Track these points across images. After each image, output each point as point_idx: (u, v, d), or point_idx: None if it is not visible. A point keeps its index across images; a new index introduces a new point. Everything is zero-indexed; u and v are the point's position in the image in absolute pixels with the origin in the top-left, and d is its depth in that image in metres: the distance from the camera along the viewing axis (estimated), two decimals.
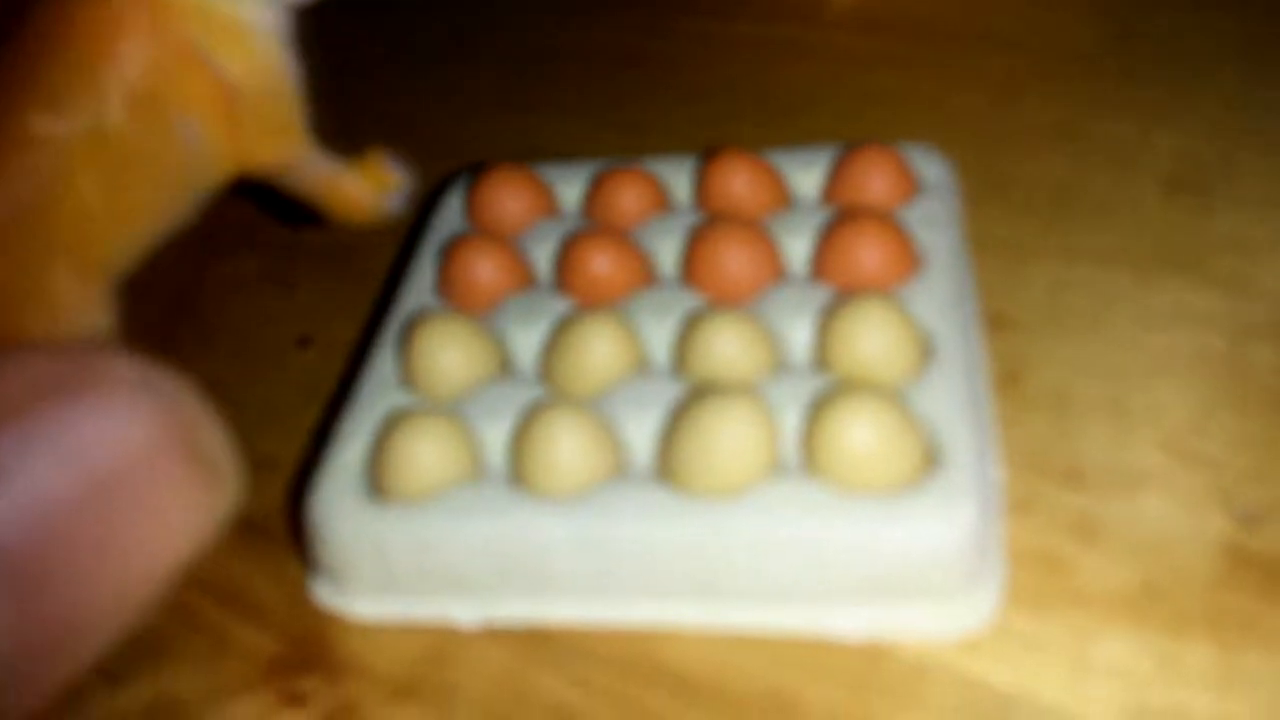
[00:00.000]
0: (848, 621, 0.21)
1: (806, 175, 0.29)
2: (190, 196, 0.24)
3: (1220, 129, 0.32)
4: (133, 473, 0.10)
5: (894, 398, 0.21)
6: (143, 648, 0.23)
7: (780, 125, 0.36)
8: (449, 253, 0.27)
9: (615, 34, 0.43)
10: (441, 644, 0.22)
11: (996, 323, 0.27)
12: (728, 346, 0.23)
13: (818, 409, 0.21)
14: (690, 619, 0.22)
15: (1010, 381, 0.26)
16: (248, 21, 0.24)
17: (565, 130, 0.38)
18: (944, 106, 0.35)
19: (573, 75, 0.41)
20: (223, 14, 0.23)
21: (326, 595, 0.24)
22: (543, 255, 0.28)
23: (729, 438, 0.21)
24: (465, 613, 0.23)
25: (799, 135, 0.32)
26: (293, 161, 0.26)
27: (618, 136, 0.37)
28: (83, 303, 0.22)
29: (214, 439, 0.11)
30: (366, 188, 0.28)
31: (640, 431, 0.23)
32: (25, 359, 0.10)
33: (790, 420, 0.22)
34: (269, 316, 0.32)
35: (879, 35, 0.40)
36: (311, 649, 0.23)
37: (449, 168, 0.32)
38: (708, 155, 0.29)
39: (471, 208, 0.30)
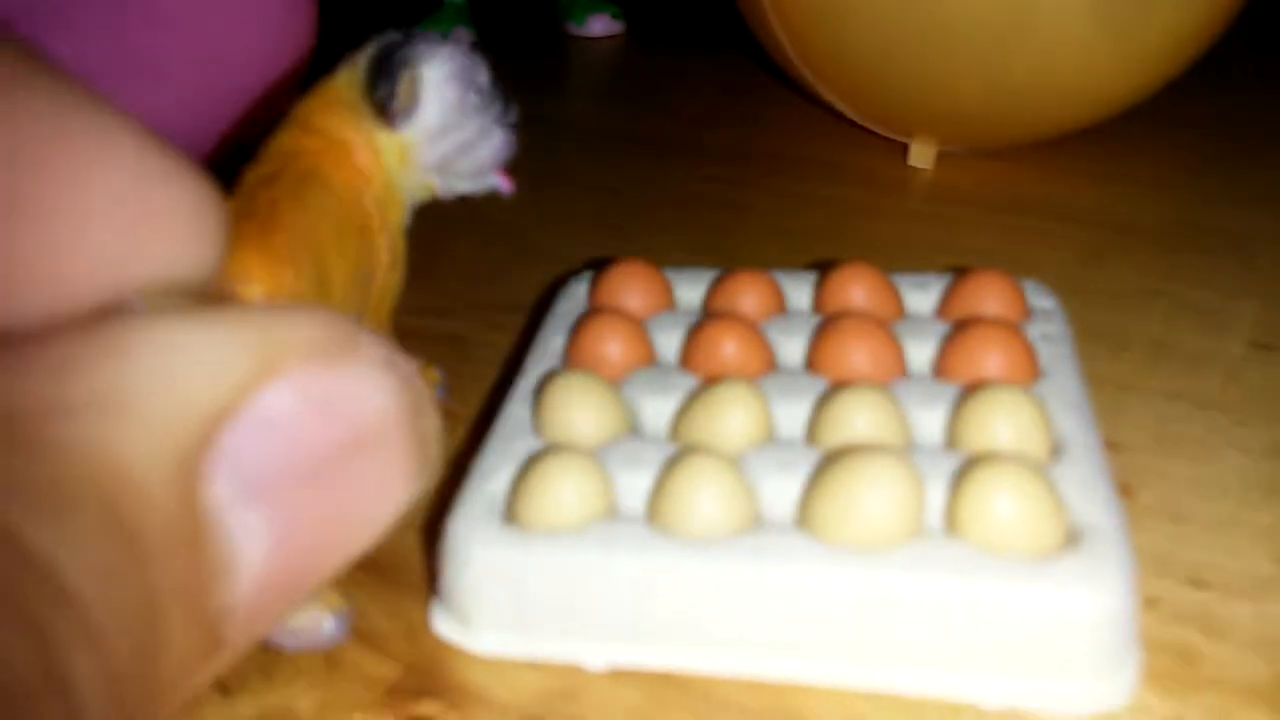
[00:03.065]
0: (987, 689, 0.21)
1: (921, 295, 0.30)
2: None
3: None
4: (376, 437, 0.11)
5: (1039, 469, 0.22)
6: (256, 663, 0.22)
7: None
8: (580, 326, 0.29)
9: (707, 184, 0.46)
10: (568, 680, 0.22)
11: (1106, 445, 0.28)
12: (864, 419, 0.24)
13: (965, 475, 0.22)
14: (828, 674, 0.22)
15: (1125, 493, 0.26)
16: (406, 206, 0.26)
17: (663, 254, 0.40)
18: (1031, 264, 0.37)
19: (669, 210, 0.44)
20: (399, 198, 0.26)
21: (449, 628, 0.23)
22: (666, 340, 0.29)
23: (879, 493, 0.21)
24: (595, 653, 0.22)
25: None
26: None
27: (714, 262, 0.39)
28: None
29: (432, 422, 0.13)
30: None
31: (778, 489, 0.23)
32: (303, 318, 0.11)
33: (934, 488, 0.22)
34: None
35: (957, 204, 0.42)
36: (431, 677, 0.22)
37: (554, 273, 0.34)
38: (827, 267, 0.30)
39: (596, 295, 0.31)
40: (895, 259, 0.39)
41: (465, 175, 0.27)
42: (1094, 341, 0.32)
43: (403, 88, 0.25)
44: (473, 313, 0.36)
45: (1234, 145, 0.46)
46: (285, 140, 0.24)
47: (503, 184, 0.28)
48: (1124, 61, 0.38)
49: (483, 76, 0.27)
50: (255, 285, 0.19)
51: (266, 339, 0.10)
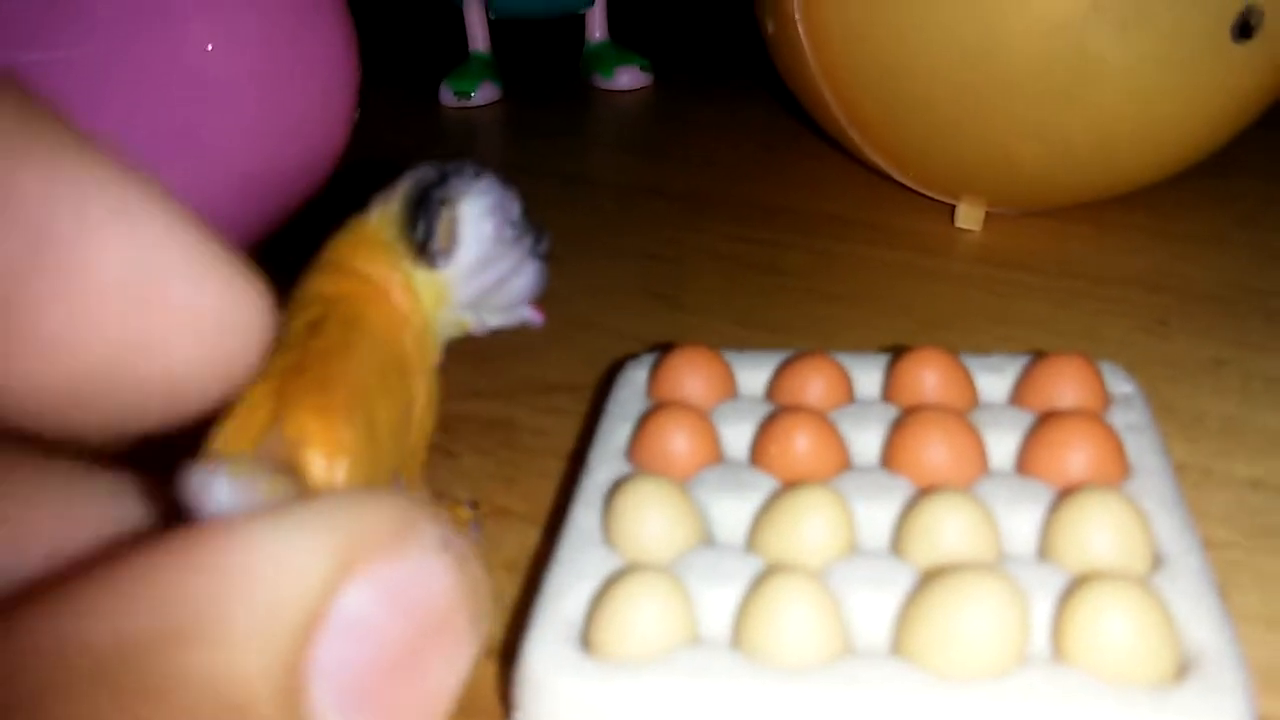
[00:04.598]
0: None
1: (995, 379, 0.29)
2: None
3: None
4: (443, 622, 0.12)
5: (1149, 587, 0.21)
6: None
7: (924, 342, 0.37)
8: (645, 421, 0.28)
9: (745, 244, 0.45)
10: None
11: None
12: (954, 529, 0.23)
13: (1072, 595, 0.21)
14: None
15: (1223, 596, 0.25)
16: (440, 345, 0.25)
17: (711, 324, 0.39)
18: (1090, 333, 0.36)
19: (711, 274, 0.43)
20: (434, 337, 0.25)
21: None
22: (733, 433, 0.28)
23: (984, 618, 0.20)
24: None
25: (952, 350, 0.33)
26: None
27: (764, 335, 0.38)
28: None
29: (485, 596, 0.12)
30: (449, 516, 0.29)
31: (869, 607, 0.22)
32: (370, 507, 0.11)
33: (1037, 608, 0.21)
34: (434, 482, 0.32)
35: (1007, 267, 0.42)
36: None
37: (603, 348, 0.33)
38: (899, 351, 0.29)
39: (656, 383, 0.30)
40: (948, 328, 0.38)
41: (499, 309, 0.26)
42: (1166, 419, 0.31)
43: (441, 227, 0.24)
44: (524, 395, 0.35)
45: None
46: (325, 284, 0.23)
47: (534, 316, 0.27)
48: (1188, 120, 0.37)
49: (516, 209, 0.26)
50: (315, 450, 0.19)
51: (342, 536, 0.11)
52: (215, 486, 0.13)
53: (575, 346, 0.37)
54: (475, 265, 0.25)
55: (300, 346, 0.22)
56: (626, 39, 0.68)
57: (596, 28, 0.67)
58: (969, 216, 0.43)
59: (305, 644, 0.10)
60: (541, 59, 0.71)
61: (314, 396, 0.20)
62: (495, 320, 0.26)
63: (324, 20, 0.38)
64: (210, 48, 0.34)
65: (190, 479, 0.13)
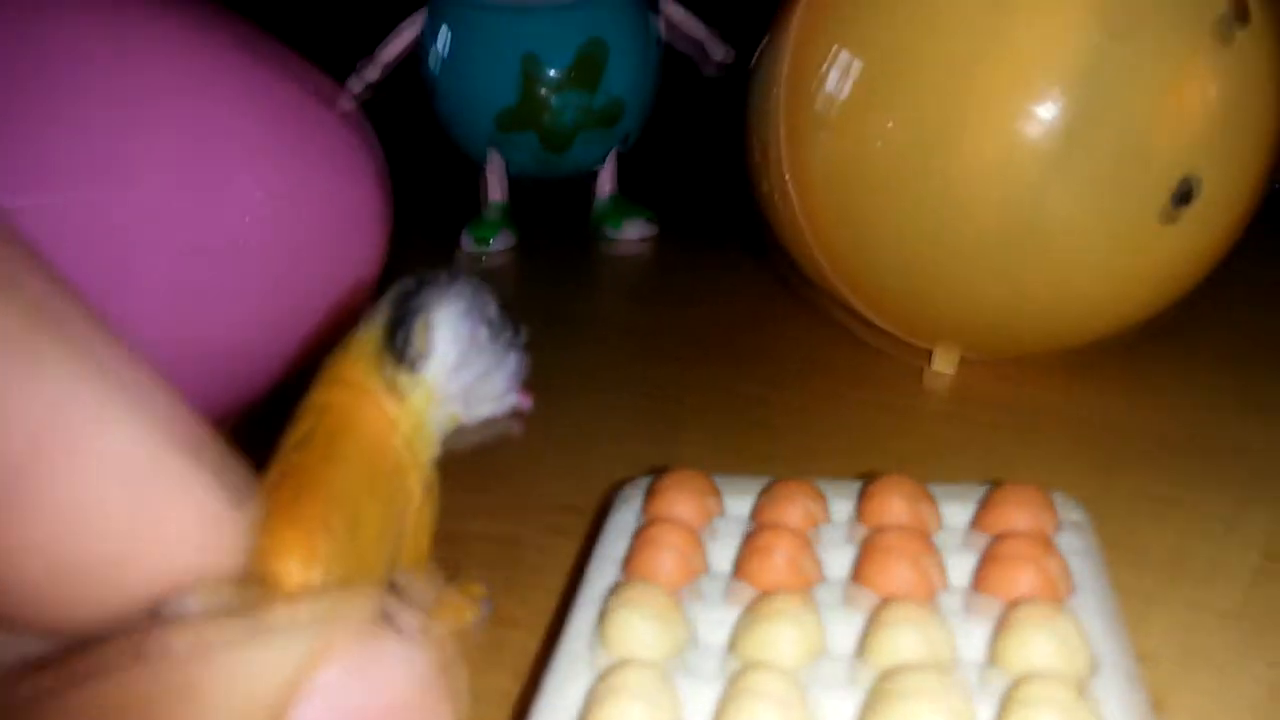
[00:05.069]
0: None
1: (957, 507, 0.32)
2: None
3: None
4: (416, 700, 0.13)
5: (1085, 691, 0.23)
6: None
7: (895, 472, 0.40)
8: (638, 536, 0.31)
9: (739, 385, 0.49)
10: None
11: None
12: (912, 638, 0.26)
13: (1010, 696, 0.23)
14: None
15: (1158, 707, 0.28)
16: (434, 439, 0.28)
17: (705, 454, 0.42)
18: (1053, 471, 0.40)
19: (708, 410, 0.46)
20: (427, 433, 0.28)
21: None
22: (719, 548, 0.31)
23: (934, 714, 0.23)
24: None
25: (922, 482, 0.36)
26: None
27: (751, 464, 0.41)
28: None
29: (461, 678, 0.14)
30: (457, 598, 0.32)
31: (835, 706, 0.25)
32: (343, 605, 0.13)
33: (982, 708, 0.24)
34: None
35: (979, 410, 0.45)
36: None
37: (606, 473, 0.36)
38: (869, 478, 0.32)
39: (651, 503, 0.33)
40: (923, 464, 0.41)
41: (486, 400, 0.29)
42: (1114, 549, 0.34)
43: (417, 335, 0.27)
44: (530, 514, 0.38)
45: (1251, 352, 0.49)
46: (317, 396, 0.26)
47: (522, 401, 0.30)
48: (1139, 277, 0.41)
49: (491, 308, 0.29)
50: (290, 559, 0.21)
51: (317, 630, 0.12)
52: (189, 599, 0.14)
53: (579, 470, 0.40)
54: (456, 364, 0.28)
55: (284, 461, 0.24)
56: (634, 193, 0.74)
57: (606, 183, 0.73)
58: (944, 362, 0.46)
59: (281, 714, 0.11)
60: (554, 211, 0.77)
61: (290, 509, 0.23)
62: (486, 409, 0.29)
63: (363, 175, 0.42)
64: (257, 203, 0.38)
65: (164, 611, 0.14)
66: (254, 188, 0.38)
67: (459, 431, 0.29)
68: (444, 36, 0.69)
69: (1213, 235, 0.42)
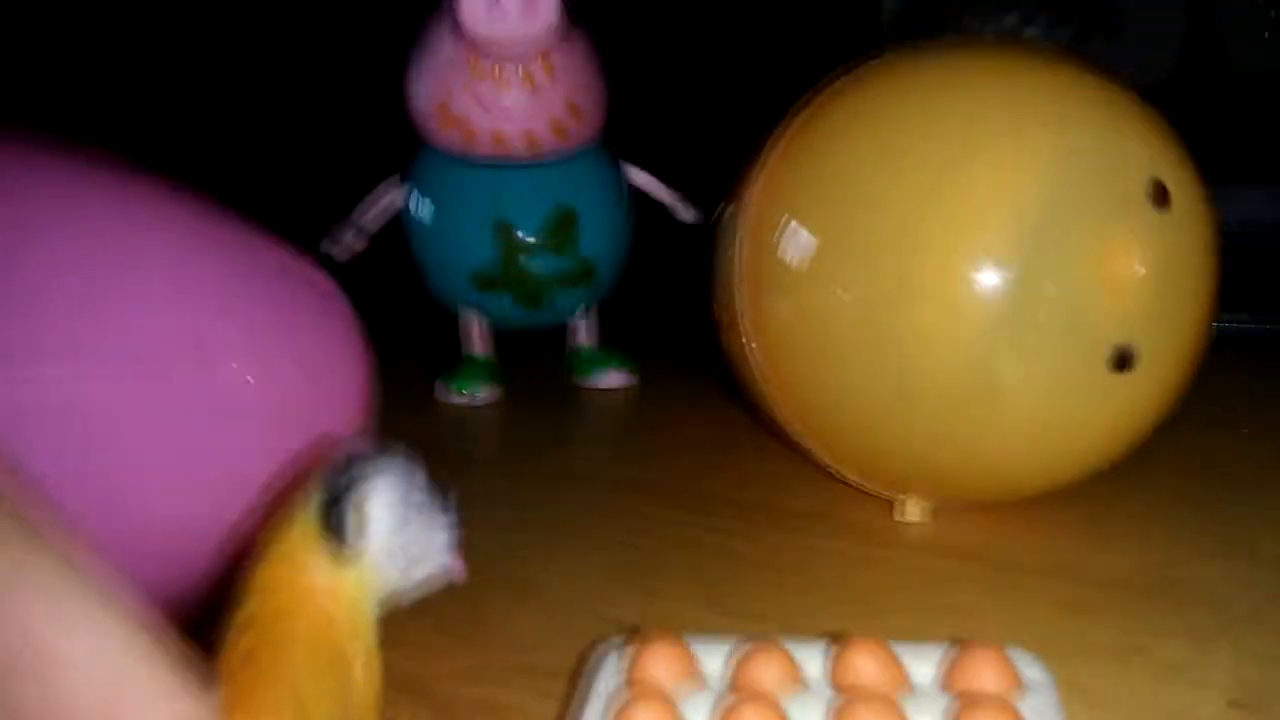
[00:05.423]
0: None
1: (923, 665, 0.33)
2: None
3: (1267, 658, 0.37)
4: None
5: None
6: None
7: (867, 625, 0.41)
8: (616, 705, 0.31)
9: (710, 533, 0.50)
10: None
11: None
12: None
13: None
14: None
15: None
16: (373, 610, 0.29)
17: (678, 607, 0.43)
18: (1016, 619, 0.41)
19: (681, 564, 0.47)
20: (366, 604, 0.29)
21: None
22: (695, 715, 0.32)
23: None
24: None
25: (889, 635, 0.37)
26: None
27: (726, 619, 0.42)
28: None
29: None
30: None
31: None
32: None
33: None
34: None
35: (944, 558, 0.46)
36: None
37: (584, 630, 0.37)
38: (837, 639, 0.34)
39: (629, 668, 0.34)
40: (889, 613, 0.42)
41: (422, 564, 0.30)
42: (1078, 698, 0.35)
43: (351, 512, 0.28)
44: (512, 677, 0.39)
45: (1213, 488, 0.51)
46: (260, 573, 0.28)
47: (455, 564, 0.31)
48: (1092, 430, 0.43)
49: (420, 477, 0.31)
50: None
51: None
52: None
53: (558, 630, 0.41)
54: (390, 534, 0.29)
55: (234, 646, 0.25)
56: (613, 340, 0.76)
57: (582, 334, 0.75)
58: (909, 510, 0.48)
59: None
60: (534, 361, 0.79)
61: (242, 700, 0.24)
62: (420, 573, 0.30)
63: (345, 348, 0.44)
64: (249, 380, 0.39)
65: None
66: (247, 366, 0.39)
67: (397, 594, 0.30)
68: (419, 198, 0.71)
69: (1161, 387, 0.44)
